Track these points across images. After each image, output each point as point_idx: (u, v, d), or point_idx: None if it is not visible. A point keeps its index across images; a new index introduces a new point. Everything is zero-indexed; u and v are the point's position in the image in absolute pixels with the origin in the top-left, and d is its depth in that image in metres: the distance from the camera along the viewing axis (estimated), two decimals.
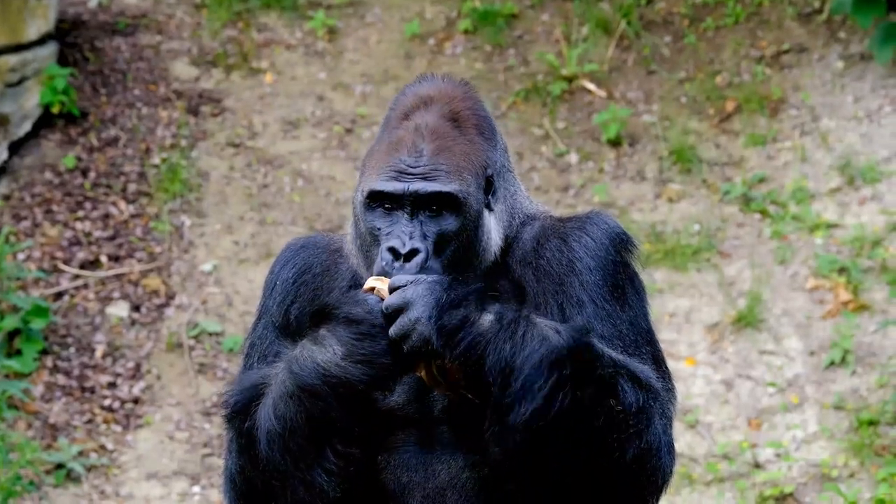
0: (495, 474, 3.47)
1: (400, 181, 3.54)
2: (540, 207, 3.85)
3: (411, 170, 3.55)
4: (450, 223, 3.57)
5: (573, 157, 10.08)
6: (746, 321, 8.90)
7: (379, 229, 3.56)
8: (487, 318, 3.37)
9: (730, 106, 10.13)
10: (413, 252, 3.51)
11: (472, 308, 3.37)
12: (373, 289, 3.44)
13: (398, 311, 3.37)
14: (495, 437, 3.40)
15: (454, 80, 3.76)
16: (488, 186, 3.66)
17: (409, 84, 3.78)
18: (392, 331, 3.37)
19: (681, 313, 9.07)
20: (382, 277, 3.46)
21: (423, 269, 3.50)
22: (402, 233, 3.53)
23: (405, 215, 3.55)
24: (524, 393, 3.33)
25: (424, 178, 3.55)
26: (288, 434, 3.44)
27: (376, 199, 3.57)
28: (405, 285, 3.39)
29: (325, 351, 3.40)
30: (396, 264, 3.49)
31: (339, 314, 3.41)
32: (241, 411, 3.55)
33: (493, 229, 3.67)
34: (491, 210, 3.67)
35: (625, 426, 3.41)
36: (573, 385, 3.34)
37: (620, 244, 3.66)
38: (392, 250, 3.51)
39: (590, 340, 3.40)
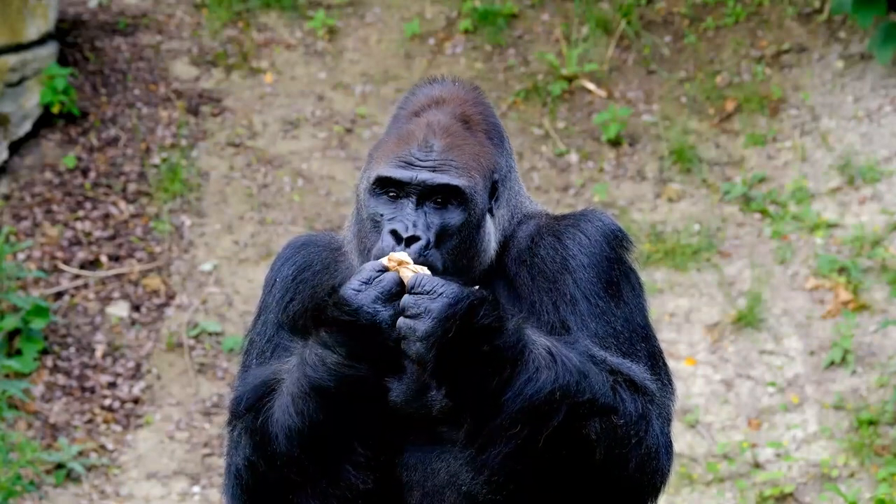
0: (486, 484, 3.48)
1: (408, 170, 3.54)
2: (538, 207, 3.85)
3: (420, 161, 3.55)
4: (454, 217, 3.56)
5: (573, 157, 10.08)
6: (746, 321, 8.90)
7: (382, 215, 3.56)
8: (483, 350, 3.35)
9: (730, 106, 10.13)
10: (414, 238, 3.50)
11: (476, 342, 3.34)
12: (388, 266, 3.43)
13: (407, 311, 3.35)
14: (470, 463, 3.42)
15: (465, 84, 3.77)
16: (493, 191, 3.66)
17: (418, 85, 3.78)
18: (398, 329, 3.36)
19: (681, 313, 9.07)
20: (395, 257, 3.43)
21: (422, 256, 3.49)
22: (406, 219, 3.52)
23: (411, 203, 3.55)
24: (495, 435, 3.36)
25: (433, 170, 3.55)
26: (309, 430, 3.44)
27: (383, 186, 3.56)
28: (426, 290, 3.35)
29: (331, 353, 3.39)
30: (398, 248, 3.48)
31: (328, 318, 3.39)
32: (251, 408, 3.55)
33: (492, 233, 3.67)
34: (493, 215, 3.67)
35: (626, 440, 3.42)
36: (564, 424, 3.35)
37: (615, 241, 3.66)
38: (394, 233, 3.51)
39: (586, 371, 3.38)
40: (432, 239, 3.52)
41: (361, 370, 3.38)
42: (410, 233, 3.50)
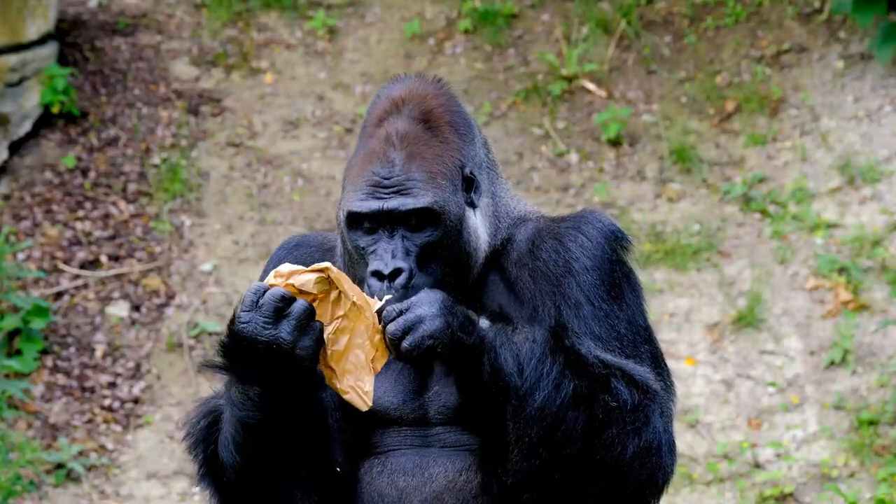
0: (513, 479, 3.49)
1: (375, 198, 3.56)
2: (530, 207, 3.85)
3: (385, 182, 3.57)
4: (431, 235, 3.58)
5: (573, 157, 10.08)
6: (746, 321, 8.90)
7: (363, 248, 3.59)
8: (485, 323, 3.44)
9: (730, 106, 10.12)
10: (396, 272, 3.53)
11: (470, 314, 3.44)
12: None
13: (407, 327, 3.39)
14: (515, 432, 3.43)
15: (426, 78, 3.76)
16: (469, 184, 3.67)
17: (383, 86, 3.78)
18: (399, 336, 3.38)
19: (681, 313, 9.07)
20: (282, 270, 3.43)
21: (407, 286, 3.52)
22: (385, 251, 3.55)
23: (386, 233, 3.57)
24: (537, 382, 3.39)
25: (398, 193, 3.56)
26: (251, 462, 3.51)
27: (357, 220, 3.59)
28: (407, 307, 3.40)
29: (251, 387, 3.45)
30: (385, 286, 3.52)
31: (236, 356, 3.43)
32: (202, 440, 3.64)
33: (480, 226, 3.68)
34: (475, 207, 3.68)
35: (622, 421, 3.43)
36: (570, 374, 3.40)
37: (616, 242, 3.67)
38: (377, 274, 3.53)
39: (568, 335, 3.46)
40: (413, 265, 3.55)
41: (285, 393, 3.43)
42: (391, 267, 3.53)
